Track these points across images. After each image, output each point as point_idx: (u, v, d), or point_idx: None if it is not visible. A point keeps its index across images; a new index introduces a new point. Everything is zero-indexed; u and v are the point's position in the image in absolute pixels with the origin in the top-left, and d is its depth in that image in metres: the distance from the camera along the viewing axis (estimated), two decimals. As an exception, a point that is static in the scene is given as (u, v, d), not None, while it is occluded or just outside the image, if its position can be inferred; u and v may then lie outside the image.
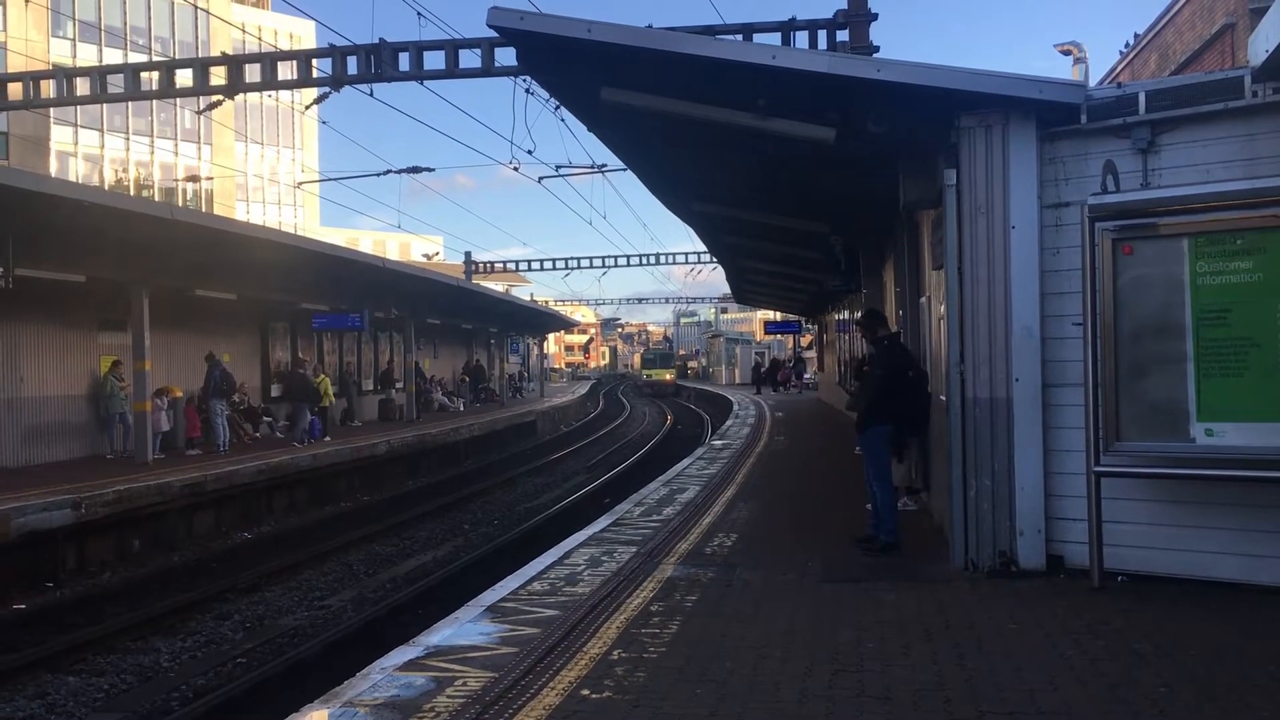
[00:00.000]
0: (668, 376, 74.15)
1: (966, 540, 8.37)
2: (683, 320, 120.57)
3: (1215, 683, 5.52)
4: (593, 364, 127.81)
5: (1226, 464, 7.17)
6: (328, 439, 24.50)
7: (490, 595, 8.07)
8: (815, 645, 6.44)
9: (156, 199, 46.44)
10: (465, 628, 7.10)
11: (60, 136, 51.03)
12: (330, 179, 43.55)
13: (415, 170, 31.83)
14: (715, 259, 35.13)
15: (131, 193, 47.44)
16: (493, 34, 14.81)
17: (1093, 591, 7.54)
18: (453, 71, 17.70)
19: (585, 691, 5.63)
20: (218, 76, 19.53)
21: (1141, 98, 7.92)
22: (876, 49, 16.57)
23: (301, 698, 6.38)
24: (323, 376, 26.78)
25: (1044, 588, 7.75)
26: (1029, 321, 8.14)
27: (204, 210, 47.29)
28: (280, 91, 24.96)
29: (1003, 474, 8.20)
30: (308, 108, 22.47)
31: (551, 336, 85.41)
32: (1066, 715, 5.10)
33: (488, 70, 17.37)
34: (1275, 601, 7.02)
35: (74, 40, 51.53)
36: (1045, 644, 6.33)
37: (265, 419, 26.10)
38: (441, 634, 6.95)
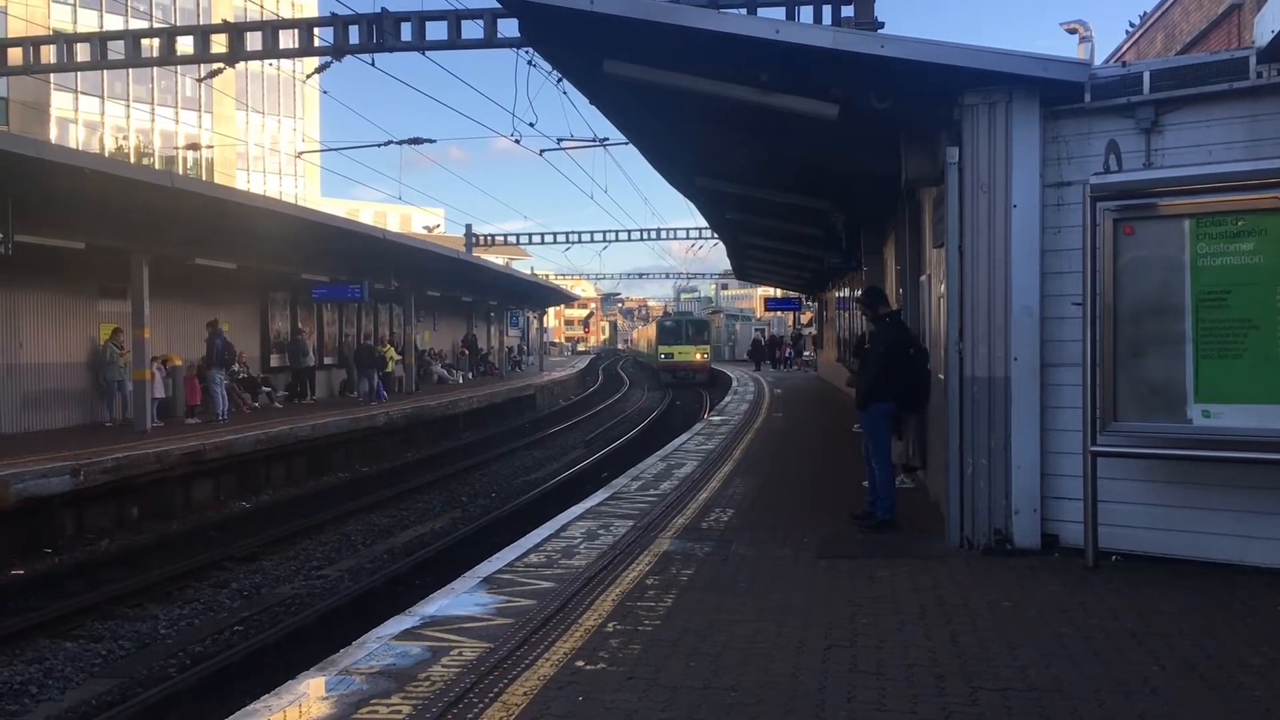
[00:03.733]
0: (698, 356, 50.57)
1: (962, 518, 8.39)
2: (683, 296, 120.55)
3: (1208, 662, 5.54)
4: (592, 339, 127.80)
5: (1223, 445, 7.17)
6: (385, 398, 27.72)
7: (487, 567, 8.10)
8: (809, 621, 6.46)
9: (157, 167, 46.31)
10: (461, 598, 7.13)
11: (60, 103, 50.89)
12: (331, 149, 43.51)
13: (416, 141, 31.76)
14: (716, 235, 35.06)
15: (132, 160, 47.29)
16: (495, 4, 14.76)
17: (1087, 571, 7.56)
18: (455, 42, 17.64)
19: (580, 663, 5.66)
20: (219, 44, 19.45)
21: (1146, 77, 7.87)
22: (881, 24, 16.51)
23: (298, 666, 6.42)
24: (387, 346, 30.31)
25: (1039, 566, 7.77)
26: (1028, 300, 8.13)
27: (204, 179, 47.15)
28: (281, 60, 24.85)
29: (999, 452, 8.21)
30: (309, 77, 22.40)
31: (551, 310, 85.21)
32: (1058, 692, 5.12)
33: (490, 41, 17.31)
34: (1270, 582, 7.04)
35: (74, 6, 51.30)
36: (1039, 622, 6.36)
37: (264, 389, 26.16)
38: (438, 604, 6.98)
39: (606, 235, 55.09)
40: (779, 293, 58.89)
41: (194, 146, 52.61)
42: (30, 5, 44.69)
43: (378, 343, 30.27)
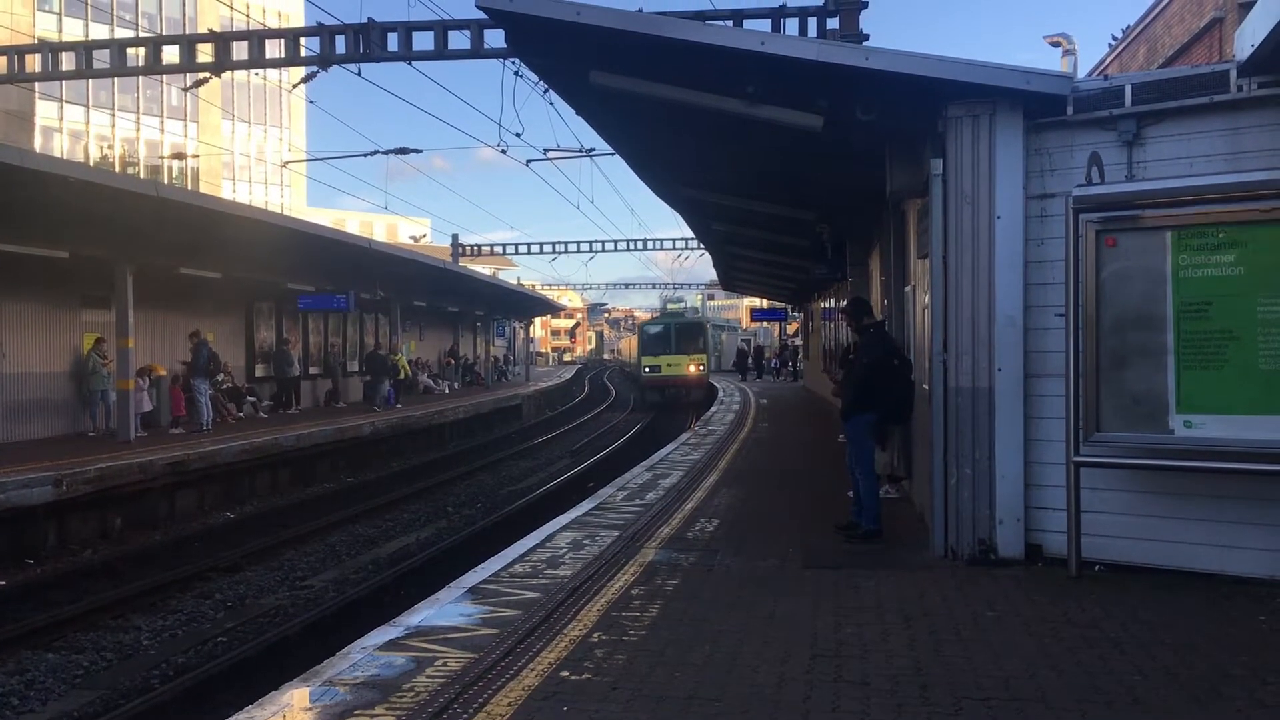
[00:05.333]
0: (692, 368, 41.07)
1: (947, 528, 8.42)
2: (669, 306, 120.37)
3: (1189, 672, 5.57)
4: (578, 349, 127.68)
5: (1204, 456, 7.21)
6: (399, 405, 29.21)
7: (471, 577, 8.09)
8: (794, 631, 6.47)
9: (142, 176, 46.18)
10: (446, 609, 7.12)
11: (45, 112, 50.70)
12: (317, 159, 43.39)
13: (403, 151, 31.64)
14: (703, 245, 35.10)
15: (117, 169, 47.12)
16: (482, 15, 14.73)
17: (1070, 580, 7.60)
18: (441, 52, 17.63)
19: (564, 673, 5.66)
20: (204, 54, 19.40)
21: (1128, 90, 7.94)
22: (866, 37, 16.59)
23: (282, 677, 6.39)
24: (399, 355, 31.59)
25: (1022, 576, 7.80)
26: (1012, 311, 8.18)
27: (190, 188, 47.03)
28: (268, 70, 24.84)
29: (983, 463, 8.24)
30: (295, 86, 22.36)
31: (538, 321, 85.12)
32: (1041, 702, 5.14)
33: (476, 52, 17.30)
34: (1250, 592, 7.08)
35: (60, 14, 51.16)
36: (1022, 632, 6.38)
37: (249, 399, 26.07)
38: (422, 615, 6.97)
39: (593, 245, 55.09)
40: (765, 303, 59.00)
41: (179, 156, 52.46)
42: (15, 14, 44.53)
43: (391, 351, 31.50)
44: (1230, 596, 7.03)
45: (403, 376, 30.93)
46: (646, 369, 41.99)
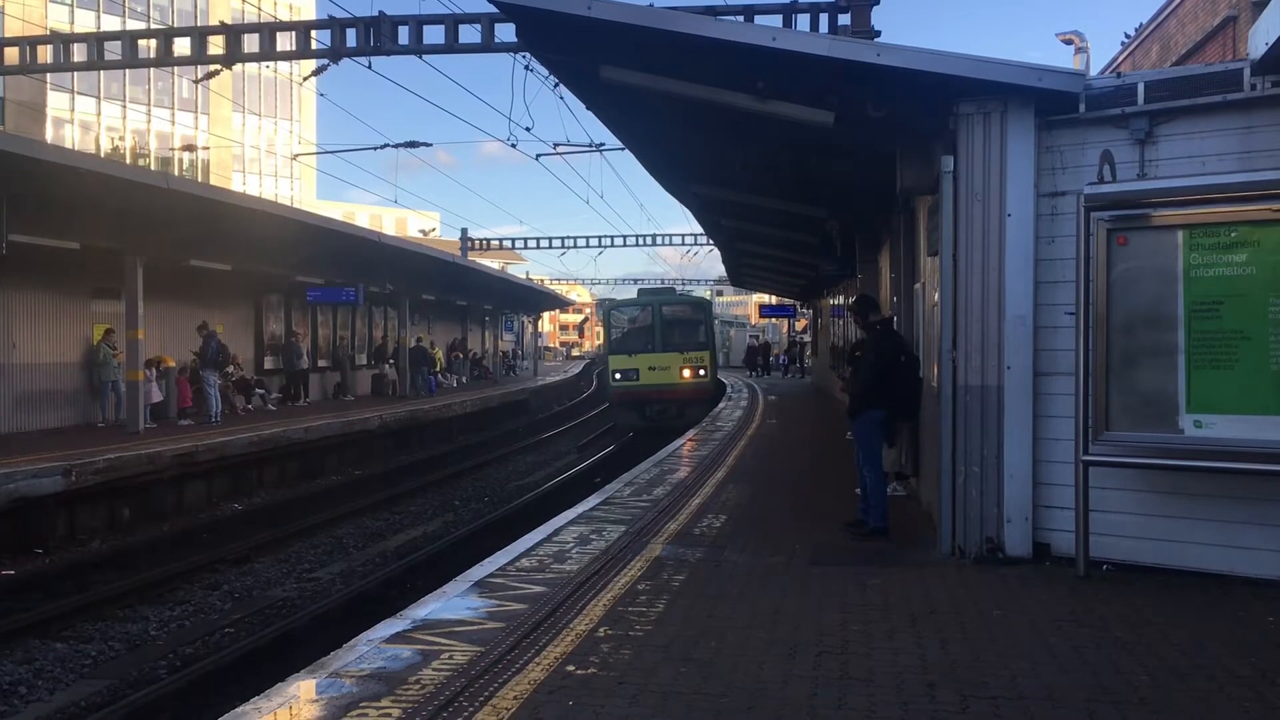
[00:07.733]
0: (685, 373, 27.77)
1: (954, 526, 8.40)
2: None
3: (1197, 672, 5.55)
4: (587, 344, 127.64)
5: (1215, 456, 7.18)
6: (436, 392, 31.91)
7: (478, 570, 8.09)
8: (800, 627, 6.47)
9: (152, 168, 46.26)
10: (453, 602, 7.13)
11: (57, 103, 50.81)
12: (327, 151, 43.35)
13: (413, 145, 31.68)
14: (712, 241, 35.02)
15: (127, 161, 47.19)
16: (493, 9, 14.77)
17: (1078, 580, 7.58)
18: (452, 46, 17.65)
19: (570, 667, 5.66)
20: (216, 46, 19.44)
21: (1140, 88, 7.90)
22: (878, 33, 16.57)
23: (289, 668, 6.41)
24: (436, 350, 34.71)
25: (1030, 575, 7.78)
26: (1022, 310, 8.15)
27: (200, 180, 47.12)
28: (279, 63, 24.87)
29: (992, 461, 8.22)
30: (306, 79, 22.38)
31: (546, 315, 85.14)
32: (1048, 701, 5.13)
33: (487, 46, 17.32)
34: (1259, 593, 7.05)
35: (72, 6, 51.26)
36: (1029, 630, 6.36)
37: (257, 391, 26.12)
38: (429, 608, 6.98)
39: (602, 240, 55.14)
40: (774, 299, 58.90)
41: (190, 148, 52.60)
42: (27, 5, 44.58)
43: (430, 345, 34.57)
44: (1239, 598, 7.00)
45: (438, 368, 33.14)
46: (616, 374, 28.10)
